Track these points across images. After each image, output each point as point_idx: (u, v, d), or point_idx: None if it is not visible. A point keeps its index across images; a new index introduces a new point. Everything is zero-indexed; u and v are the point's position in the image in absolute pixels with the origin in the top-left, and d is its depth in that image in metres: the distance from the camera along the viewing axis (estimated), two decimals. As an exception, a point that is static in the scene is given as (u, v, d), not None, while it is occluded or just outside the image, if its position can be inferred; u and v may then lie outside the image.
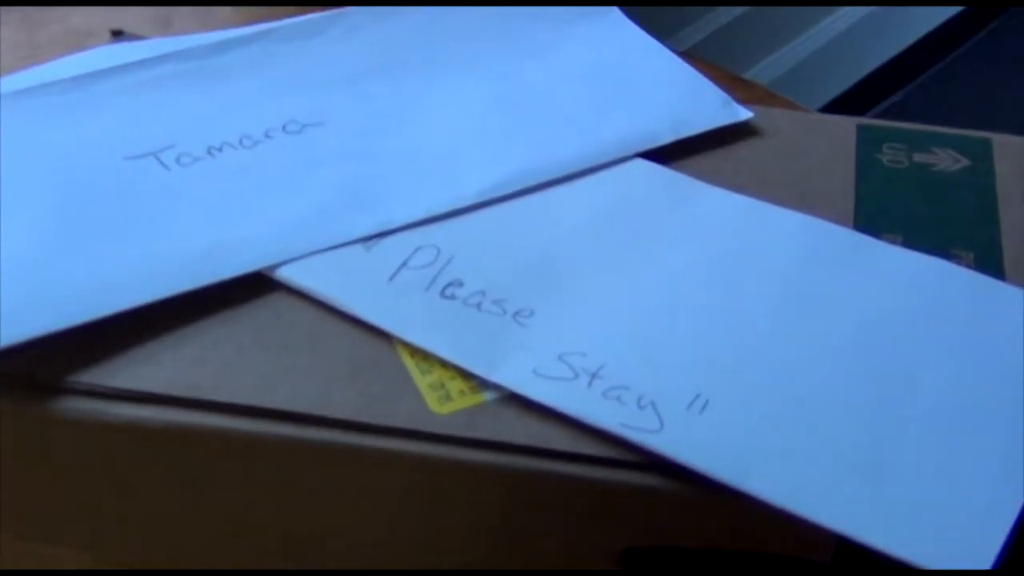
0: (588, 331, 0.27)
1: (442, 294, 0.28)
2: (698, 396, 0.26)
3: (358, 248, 0.29)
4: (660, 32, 0.37)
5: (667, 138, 0.33)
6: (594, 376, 0.26)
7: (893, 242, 0.30)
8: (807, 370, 0.26)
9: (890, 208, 0.31)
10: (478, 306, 0.28)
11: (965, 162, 0.32)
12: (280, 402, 0.26)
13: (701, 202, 0.31)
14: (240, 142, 0.31)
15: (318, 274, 0.29)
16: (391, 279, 0.29)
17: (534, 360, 0.27)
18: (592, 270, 0.29)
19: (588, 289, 0.29)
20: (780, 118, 0.34)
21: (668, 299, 0.28)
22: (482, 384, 0.27)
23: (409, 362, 0.27)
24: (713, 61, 0.45)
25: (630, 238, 0.30)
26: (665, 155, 0.33)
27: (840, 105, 1.11)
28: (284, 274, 0.29)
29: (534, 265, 0.29)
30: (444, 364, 0.27)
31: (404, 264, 0.29)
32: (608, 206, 0.31)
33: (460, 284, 0.28)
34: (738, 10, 1.00)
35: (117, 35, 0.36)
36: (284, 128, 0.32)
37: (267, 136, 0.32)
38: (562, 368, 0.26)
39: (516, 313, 0.28)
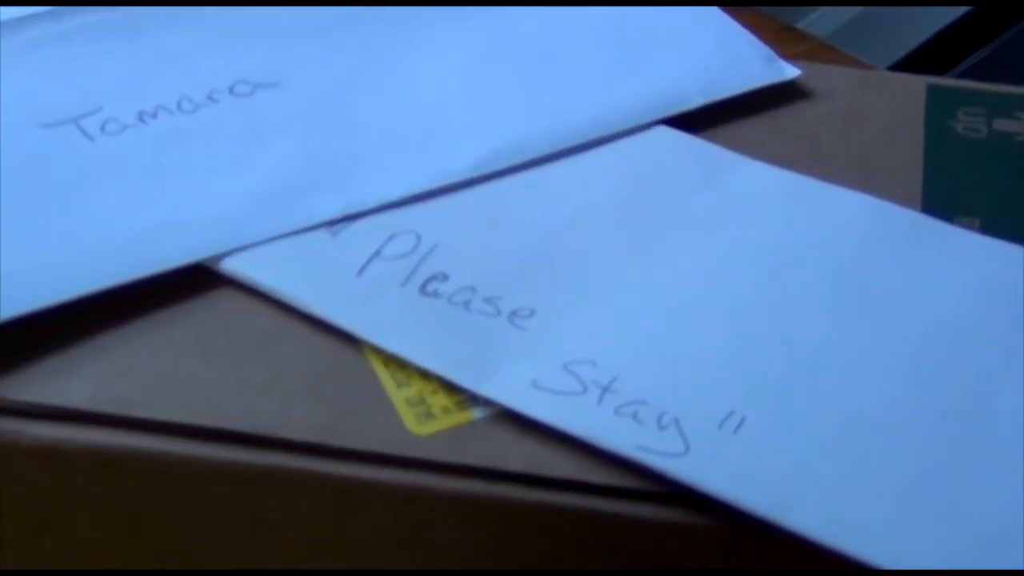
0: (599, 335, 0.28)
1: (423, 290, 0.28)
2: (732, 413, 0.26)
3: (322, 234, 0.30)
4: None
5: (698, 101, 0.33)
6: (606, 389, 0.26)
7: (969, 227, 0.30)
8: (865, 381, 0.26)
9: (965, 186, 0.31)
10: (466, 305, 0.28)
11: (1057, 130, 0.33)
12: (228, 421, 0.26)
13: (739, 179, 0.31)
14: (178, 106, 0.32)
15: (273, 266, 0.29)
16: (361, 272, 0.29)
17: (534, 370, 0.27)
18: (605, 262, 0.29)
19: (600, 285, 0.29)
20: (835, 77, 0.34)
21: (697, 296, 0.28)
22: (471, 399, 0.27)
23: (383, 373, 0.27)
24: (757, 8, 0.46)
25: (652, 223, 0.30)
26: (696, 122, 0.33)
27: (916, 62, 1.09)
28: (232, 266, 0.29)
29: (535, 255, 0.29)
30: (425, 375, 0.27)
31: (377, 254, 0.29)
32: (626, 184, 0.31)
33: (444, 278, 0.29)
34: (790, -56, 0.99)
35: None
36: (231, 89, 0.32)
37: (210, 99, 0.32)
38: (567, 380, 0.27)
39: (512, 313, 0.28)
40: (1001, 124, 0.33)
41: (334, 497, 0.26)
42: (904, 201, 0.31)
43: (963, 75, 1.04)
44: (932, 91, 0.34)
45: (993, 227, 0.30)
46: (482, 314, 0.28)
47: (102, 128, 0.31)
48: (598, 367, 0.27)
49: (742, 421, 0.26)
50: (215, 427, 0.26)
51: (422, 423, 0.26)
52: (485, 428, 0.26)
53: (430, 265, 0.29)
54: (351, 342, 0.28)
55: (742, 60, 0.34)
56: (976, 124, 0.33)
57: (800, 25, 0.90)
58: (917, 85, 0.34)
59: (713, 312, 0.28)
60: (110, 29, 0.33)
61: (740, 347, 0.27)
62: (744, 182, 0.31)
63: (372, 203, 0.30)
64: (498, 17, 0.35)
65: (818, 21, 1.05)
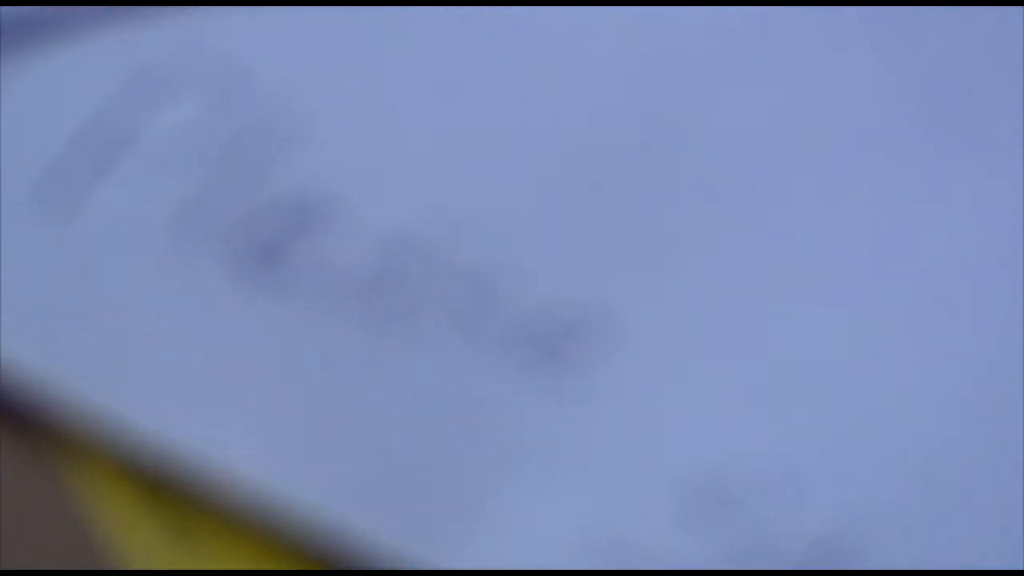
0: (736, 403, 0.29)
1: (268, 258, 0.29)
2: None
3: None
4: None
5: None
6: (801, 548, 0.27)
7: None
8: None
9: None
10: (413, 303, 0.29)
11: None
12: None
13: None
14: None
15: None
16: (77, 211, 0.29)
17: (591, 500, 0.28)
18: (780, 205, 0.31)
19: (770, 268, 0.30)
20: None
21: (983, 308, 0.30)
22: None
23: (115, 527, 0.28)
24: None
25: (910, 121, 0.32)
26: None
27: None
28: None
29: (584, 174, 0.30)
30: (276, 532, 0.27)
31: (129, 142, 0.30)
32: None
33: (331, 223, 0.29)
34: None
35: None
36: None
37: None
38: (676, 530, 0.27)
39: (523, 357, 0.29)
40: None
41: None
42: None
43: None
44: None
45: None
46: (441, 335, 0.29)
47: None
48: (741, 480, 0.28)
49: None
50: None
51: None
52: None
53: (291, 177, 0.30)
54: (29, 430, 0.28)
55: None
56: None
57: None
58: None
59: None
60: None
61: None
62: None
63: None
64: None
65: None
